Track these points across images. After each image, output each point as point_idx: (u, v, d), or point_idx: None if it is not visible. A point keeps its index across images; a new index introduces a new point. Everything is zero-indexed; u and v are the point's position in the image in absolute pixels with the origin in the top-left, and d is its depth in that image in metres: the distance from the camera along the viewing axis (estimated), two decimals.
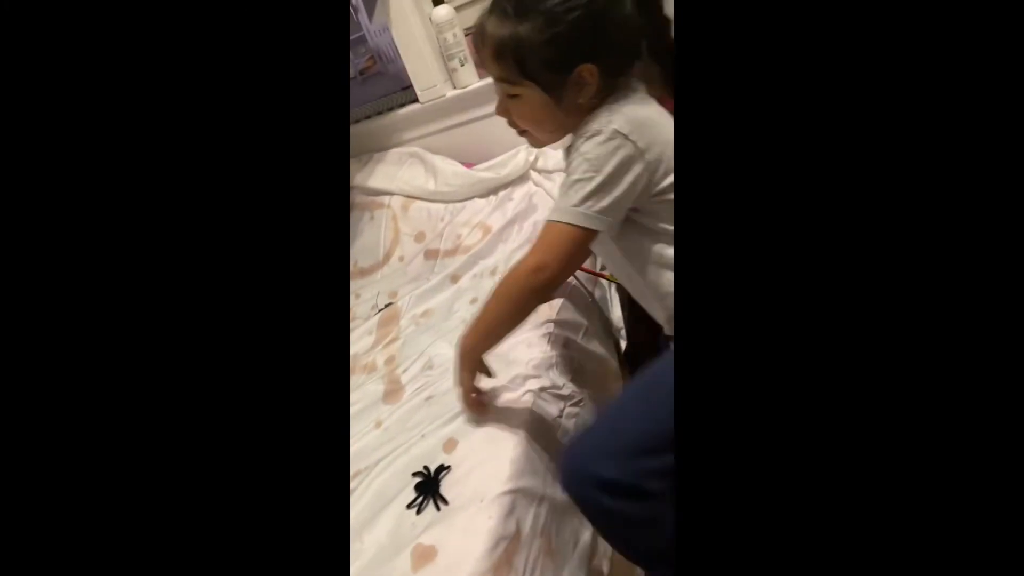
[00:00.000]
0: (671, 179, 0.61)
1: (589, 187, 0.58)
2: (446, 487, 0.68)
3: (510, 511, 0.63)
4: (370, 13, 1.80)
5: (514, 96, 0.63)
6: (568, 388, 0.80)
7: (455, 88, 1.40)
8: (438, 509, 0.66)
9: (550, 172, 1.28)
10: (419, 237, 1.32)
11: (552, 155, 1.30)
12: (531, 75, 0.61)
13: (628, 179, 0.58)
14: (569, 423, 0.78)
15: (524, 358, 0.80)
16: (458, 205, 1.32)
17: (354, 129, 1.69)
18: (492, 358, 0.71)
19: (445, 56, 1.37)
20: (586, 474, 0.59)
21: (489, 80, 1.38)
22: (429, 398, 0.81)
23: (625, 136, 0.58)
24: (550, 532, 0.68)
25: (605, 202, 0.58)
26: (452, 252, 1.24)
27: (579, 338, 0.89)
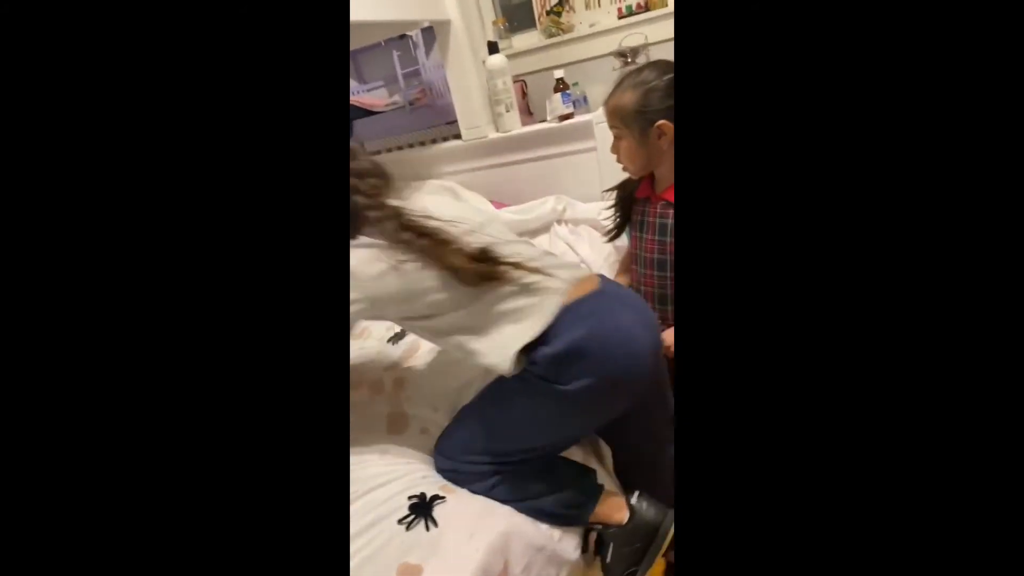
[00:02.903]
0: None
1: None
2: (438, 514, 0.71)
3: (500, 549, 0.66)
4: (428, 50, 1.91)
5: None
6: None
7: (497, 131, 1.48)
8: (427, 529, 0.69)
9: (577, 223, 1.33)
10: None
11: (581, 207, 1.36)
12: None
13: None
14: None
15: None
16: None
17: (398, 155, 1.77)
18: None
19: (492, 100, 1.45)
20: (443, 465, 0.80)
21: (529, 128, 1.47)
22: (424, 431, 0.85)
23: None
24: None
25: None
26: None
27: None
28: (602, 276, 0.83)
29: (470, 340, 0.74)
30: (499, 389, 0.80)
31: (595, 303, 0.74)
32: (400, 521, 0.70)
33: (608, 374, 0.71)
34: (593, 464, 0.83)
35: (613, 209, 1.05)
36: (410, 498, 0.73)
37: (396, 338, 1.17)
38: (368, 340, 1.20)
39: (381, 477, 0.78)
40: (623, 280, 1.09)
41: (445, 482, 0.78)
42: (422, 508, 0.71)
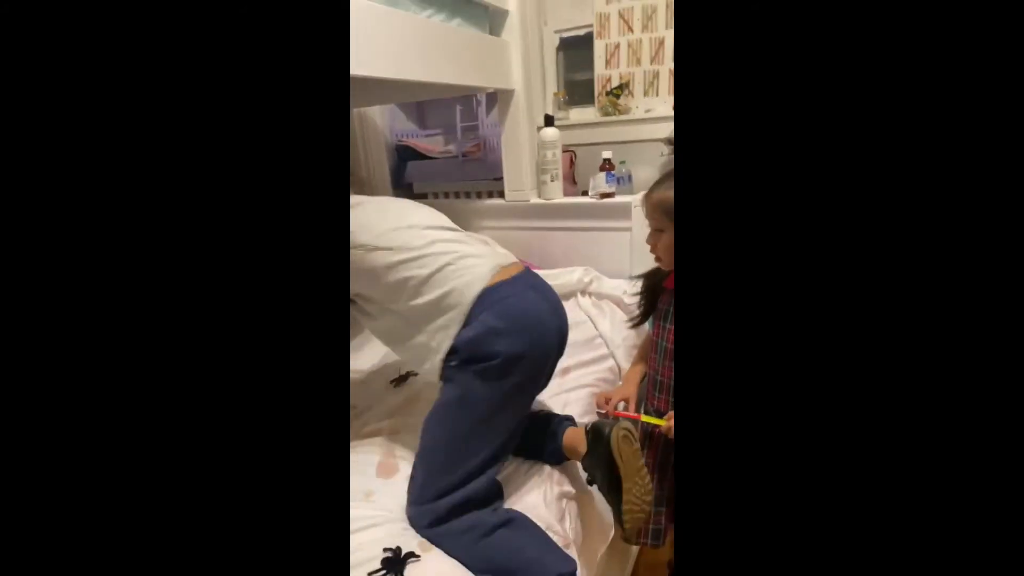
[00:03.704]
0: None
1: None
2: (409, 574, 0.71)
3: None
4: (489, 108, 2.01)
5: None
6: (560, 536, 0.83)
7: (539, 197, 1.53)
8: None
9: (601, 297, 1.36)
10: None
11: (608, 283, 1.38)
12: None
13: None
14: None
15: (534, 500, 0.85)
16: None
17: (443, 202, 1.84)
18: None
19: (540, 168, 1.51)
20: (418, 518, 0.80)
21: (569, 200, 1.52)
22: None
23: None
24: None
25: None
26: None
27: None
28: (525, 265, 0.93)
29: (399, 347, 0.88)
30: (436, 409, 0.85)
31: (510, 288, 0.84)
32: (370, 574, 0.70)
33: (519, 350, 0.80)
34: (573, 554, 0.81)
35: (640, 296, 1.06)
36: (385, 550, 0.73)
37: (400, 380, 1.19)
38: (370, 377, 1.22)
39: (361, 521, 0.79)
40: (640, 369, 1.08)
41: (424, 539, 0.77)
42: (394, 564, 0.71)
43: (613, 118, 1.94)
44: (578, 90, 2.01)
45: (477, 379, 0.80)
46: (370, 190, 1.99)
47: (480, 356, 0.80)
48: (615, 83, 1.95)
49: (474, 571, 0.74)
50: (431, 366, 0.84)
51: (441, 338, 0.82)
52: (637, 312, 1.07)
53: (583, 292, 1.36)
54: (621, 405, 1.01)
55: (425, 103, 2.09)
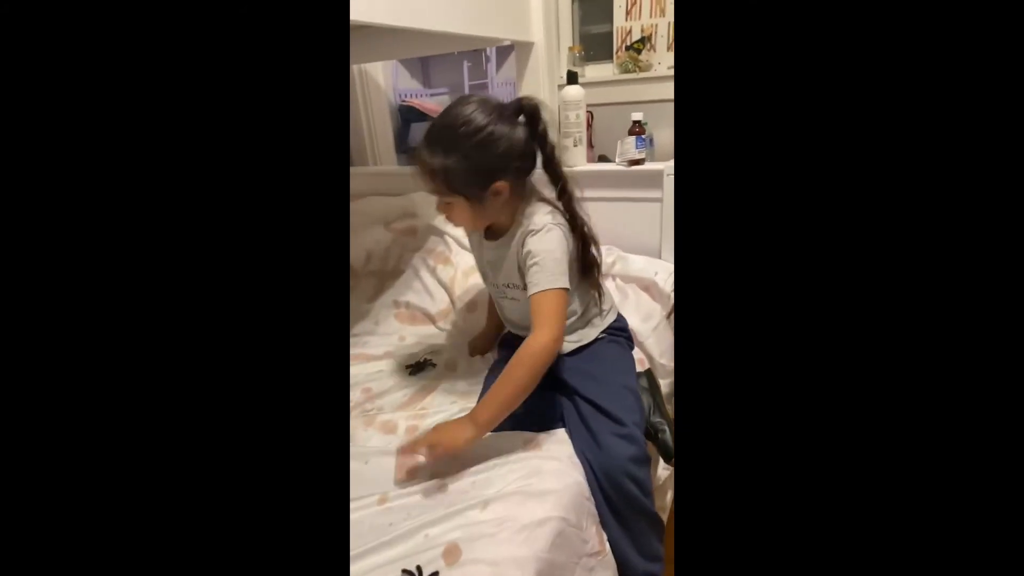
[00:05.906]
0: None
1: (552, 262, 0.81)
2: None
3: None
4: (499, 64, 1.85)
5: (448, 203, 0.83)
6: (593, 544, 0.74)
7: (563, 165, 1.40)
8: None
9: (627, 279, 1.25)
10: (471, 307, 1.29)
11: (634, 264, 1.27)
12: (458, 191, 0.81)
13: (565, 248, 0.84)
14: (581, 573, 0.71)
15: (563, 483, 0.76)
16: None
17: None
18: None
19: (561, 132, 1.38)
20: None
21: (593, 167, 1.40)
22: (443, 487, 0.77)
23: (555, 224, 0.84)
24: None
25: (563, 266, 0.82)
26: None
27: None
28: None
29: None
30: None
31: None
32: None
33: None
34: None
35: None
36: (404, 572, 0.65)
37: (416, 368, 1.09)
38: (385, 364, 1.13)
39: (374, 534, 0.70)
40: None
41: (453, 539, 0.69)
42: None
43: (633, 75, 1.80)
44: (595, 44, 1.85)
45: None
46: (372, 155, 1.85)
47: None
48: (636, 36, 1.80)
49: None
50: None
51: None
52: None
53: (605, 275, 1.25)
54: None
55: (430, 60, 1.94)
